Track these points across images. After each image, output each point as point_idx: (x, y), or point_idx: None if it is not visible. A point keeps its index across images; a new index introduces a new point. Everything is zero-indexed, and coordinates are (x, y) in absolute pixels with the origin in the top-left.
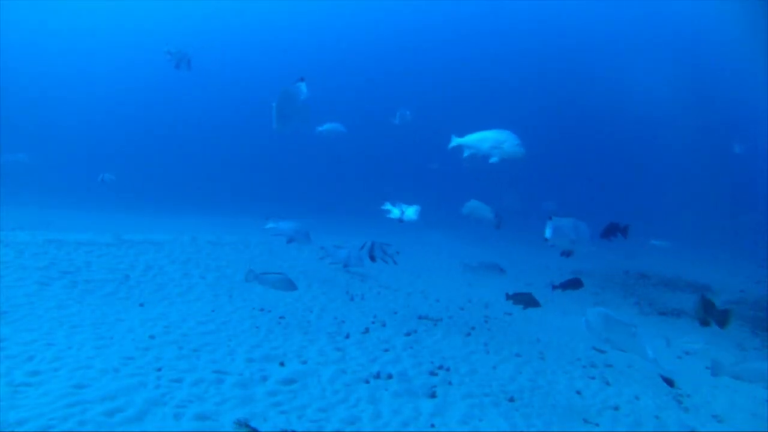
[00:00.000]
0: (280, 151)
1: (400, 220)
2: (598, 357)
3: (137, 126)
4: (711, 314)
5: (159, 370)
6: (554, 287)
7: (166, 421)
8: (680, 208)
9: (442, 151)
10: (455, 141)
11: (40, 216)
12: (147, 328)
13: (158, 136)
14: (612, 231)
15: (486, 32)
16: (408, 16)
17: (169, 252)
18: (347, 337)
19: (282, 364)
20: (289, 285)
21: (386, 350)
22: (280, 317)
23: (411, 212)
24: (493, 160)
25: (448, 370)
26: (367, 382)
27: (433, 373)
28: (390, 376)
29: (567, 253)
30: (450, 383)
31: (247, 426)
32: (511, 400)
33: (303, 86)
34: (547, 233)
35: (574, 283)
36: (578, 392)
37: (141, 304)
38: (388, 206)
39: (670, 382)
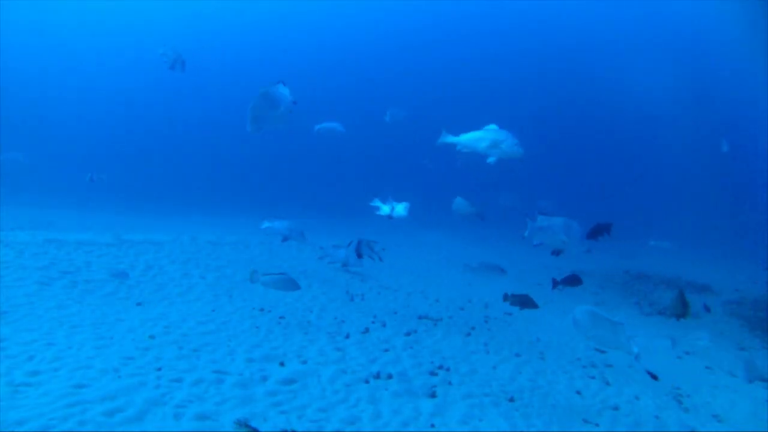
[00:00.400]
0: (281, 152)
1: (390, 217)
2: (598, 357)
3: (138, 126)
4: (687, 309)
5: (159, 370)
6: (555, 283)
7: (166, 421)
8: (680, 209)
9: (441, 150)
10: (449, 138)
11: (40, 216)
12: (147, 328)
13: (159, 136)
14: (598, 231)
15: (485, 32)
16: (407, 16)
17: (169, 252)
18: (347, 337)
19: (282, 364)
20: (293, 285)
21: (386, 350)
22: (280, 317)
23: (401, 209)
24: (491, 160)
25: (448, 370)
26: (367, 382)
27: (433, 373)
28: (390, 376)
29: (557, 252)
30: (450, 383)
31: (247, 426)
32: (511, 400)
33: (281, 88)
34: (527, 233)
35: (573, 280)
36: (578, 392)
37: (138, 304)
38: (377, 203)
39: (654, 377)
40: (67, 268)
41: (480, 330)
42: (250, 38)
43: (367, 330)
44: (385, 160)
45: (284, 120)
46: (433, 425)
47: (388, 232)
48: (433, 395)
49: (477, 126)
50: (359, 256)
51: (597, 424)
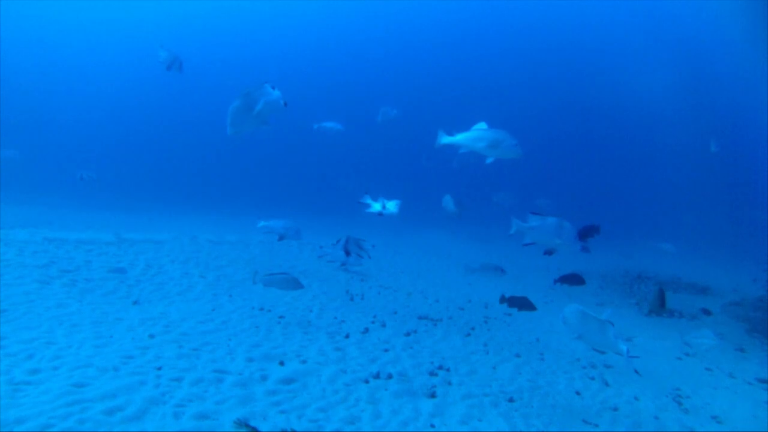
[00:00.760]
0: (281, 151)
1: (380, 214)
2: (597, 358)
3: (138, 125)
4: (664, 305)
5: (159, 369)
6: (555, 281)
7: (165, 420)
8: (680, 209)
9: (438, 150)
10: (445, 139)
11: (40, 214)
12: (147, 327)
13: (159, 135)
14: (587, 233)
15: (484, 31)
16: (406, 16)
17: (169, 251)
18: (347, 336)
19: (282, 363)
20: (295, 284)
21: (386, 350)
22: (280, 317)
23: (392, 206)
24: (489, 160)
25: (447, 370)
26: (367, 382)
27: (432, 374)
28: (390, 376)
29: (549, 252)
30: (450, 383)
31: (247, 425)
32: (511, 400)
33: (265, 89)
34: (512, 231)
35: (574, 279)
36: (578, 393)
37: (135, 302)
38: (367, 200)
39: (637, 372)
40: (66, 267)
41: (480, 330)
42: (250, 38)
43: (366, 330)
44: (384, 160)
45: (262, 122)
46: (432, 425)
47: (387, 231)
48: (432, 395)
49: (471, 125)
50: (347, 253)
51: (596, 425)
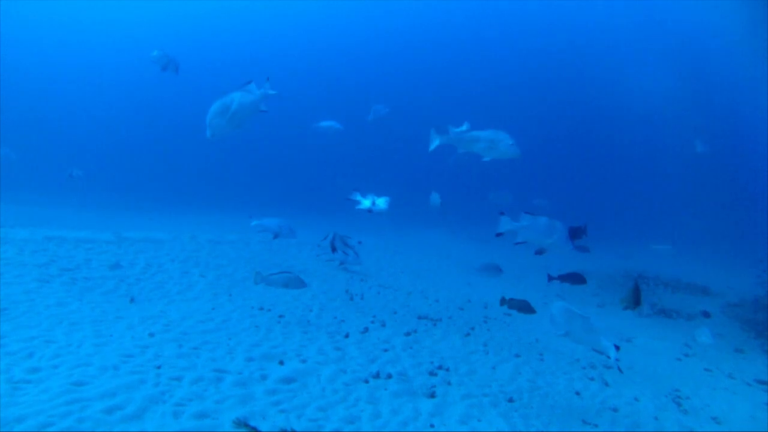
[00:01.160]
0: (280, 151)
1: (370, 211)
2: (597, 358)
3: (138, 125)
4: (639, 301)
5: (158, 368)
6: (551, 278)
7: (165, 419)
8: (680, 210)
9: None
10: (440, 140)
11: (40, 213)
12: (147, 326)
13: (159, 134)
14: (574, 234)
15: (483, 31)
16: (405, 16)
17: (169, 250)
18: (347, 336)
19: (281, 363)
20: (299, 282)
21: (386, 350)
22: (280, 316)
23: (381, 202)
24: (487, 159)
25: (447, 370)
26: (367, 381)
27: (432, 373)
28: (389, 376)
29: (540, 252)
30: (449, 383)
31: (246, 425)
32: (510, 400)
33: (250, 88)
34: (500, 228)
35: (575, 278)
36: (577, 393)
37: (131, 300)
38: (357, 196)
39: (620, 370)
40: (66, 266)
41: (479, 330)
42: (249, 38)
43: (366, 329)
44: (383, 160)
45: (235, 125)
46: (432, 425)
47: (388, 231)
48: (432, 395)
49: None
50: (333, 250)
51: (596, 425)
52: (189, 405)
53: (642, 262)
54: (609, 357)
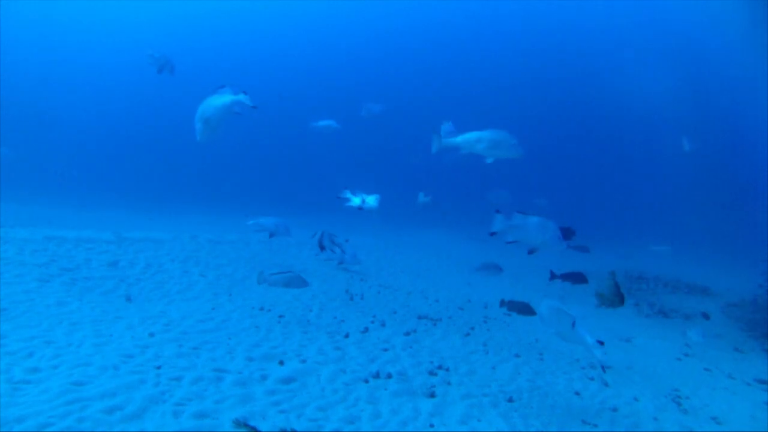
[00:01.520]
0: (282, 151)
1: (360, 208)
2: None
3: (138, 125)
4: (622, 297)
5: (158, 368)
6: (553, 277)
7: (165, 419)
8: (680, 210)
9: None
10: (444, 142)
11: (40, 213)
12: (147, 325)
13: (159, 134)
14: (563, 235)
15: (483, 31)
16: (405, 15)
17: (169, 250)
18: (347, 336)
19: (281, 363)
20: (301, 282)
21: (385, 350)
22: (280, 316)
23: (371, 200)
24: (489, 160)
25: (447, 370)
26: (367, 381)
27: (432, 373)
28: (389, 376)
29: (532, 251)
30: (449, 383)
31: (246, 425)
32: (510, 400)
33: (224, 92)
34: (494, 227)
35: (577, 277)
36: (577, 393)
37: (127, 299)
38: (347, 194)
39: (603, 368)
40: (66, 265)
41: (479, 330)
42: (249, 38)
43: (366, 329)
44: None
45: (211, 129)
46: (432, 425)
47: (388, 231)
48: (432, 395)
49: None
50: (321, 248)
51: (596, 425)
52: (189, 405)
53: (642, 262)
54: (594, 354)
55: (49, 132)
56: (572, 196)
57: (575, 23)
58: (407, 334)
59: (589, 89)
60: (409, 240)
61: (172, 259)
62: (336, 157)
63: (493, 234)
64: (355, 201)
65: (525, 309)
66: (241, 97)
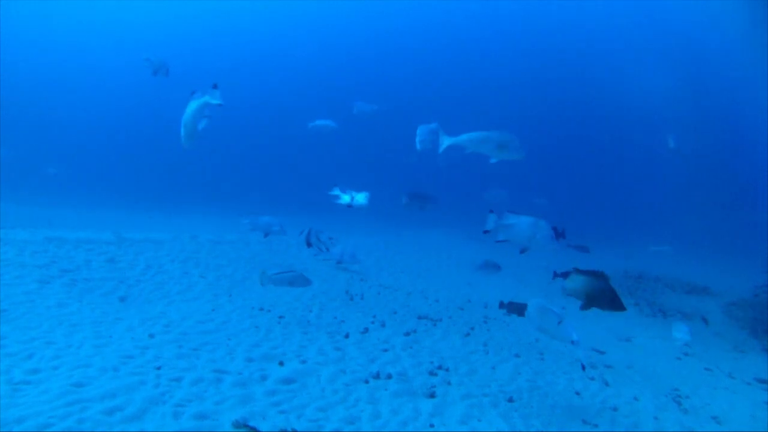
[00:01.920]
0: (282, 151)
1: (349, 206)
2: (597, 358)
3: (138, 125)
4: (618, 302)
5: (158, 369)
6: (555, 275)
7: (165, 420)
8: (679, 210)
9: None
10: (448, 141)
11: (40, 213)
12: (147, 327)
13: (159, 134)
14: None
15: (483, 30)
16: (405, 15)
17: (169, 250)
18: (347, 336)
19: (281, 363)
20: (304, 281)
21: (385, 350)
22: (280, 317)
23: (361, 198)
24: (493, 160)
25: (447, 370)
26: (367, 381)
27: (432, 373)
28: (389, 376)
29: (523, 250)
30: (449, 383)
31: (246, 425)
32: (510, 400)
33: (194, 98)
34: (488, 226)
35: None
36: (577, 393)
37: (121, 299)
38: (336, 192)
39: (583, 367)
40: (66, 267)
41: (479, 330)
42: (249, 38)
43: (366, 330)
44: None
45: (188, 134)
46: (432, 425)
47: (388, 231)
48: (432, 395)
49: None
50: (309, 245)
51: (596, 425)
52: (189, 406)
53: (642, 262)
54: (574, 345)
55: (49, 132)
56: (572, 196)
57: (575, 23)
58: (407, 334)
59: (589, 89)
60: (409, 240)
61: (172, 260)
62: (335, 157)
63: (486, 232)
64: (345, 198)
65: (524, 310)
66: (207, 98)
